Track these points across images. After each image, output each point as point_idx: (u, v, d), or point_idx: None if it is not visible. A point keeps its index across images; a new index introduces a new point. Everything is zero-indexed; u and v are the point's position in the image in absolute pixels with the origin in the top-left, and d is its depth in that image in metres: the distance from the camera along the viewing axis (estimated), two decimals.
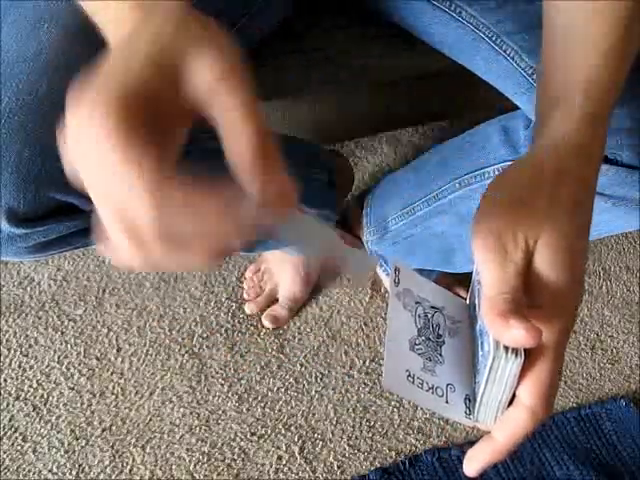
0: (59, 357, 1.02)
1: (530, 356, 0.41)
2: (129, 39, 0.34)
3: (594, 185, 0.45)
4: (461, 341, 0.47)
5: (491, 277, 0.41)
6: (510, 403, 0.42)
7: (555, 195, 0.42)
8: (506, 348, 0.40)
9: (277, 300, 1.07)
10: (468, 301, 0.49)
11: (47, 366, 1.01)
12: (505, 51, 0.65)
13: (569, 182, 0.43)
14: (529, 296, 0.41)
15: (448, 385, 0.43)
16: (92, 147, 0.31)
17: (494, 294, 0.40)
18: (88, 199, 0.48)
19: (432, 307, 0.47)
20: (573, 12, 0.47)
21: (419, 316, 0.46)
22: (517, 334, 0.38)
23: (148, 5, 0.35)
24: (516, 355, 0.40)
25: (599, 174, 0.62)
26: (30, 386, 0.99)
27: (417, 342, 0.44)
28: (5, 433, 0.96)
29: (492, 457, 0.42)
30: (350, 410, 1.00)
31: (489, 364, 0.40)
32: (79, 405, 0.98)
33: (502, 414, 0.43)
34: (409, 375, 0.42)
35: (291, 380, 1.02)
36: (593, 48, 0.46)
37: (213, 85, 0.33)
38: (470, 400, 0.44)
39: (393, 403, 1.01)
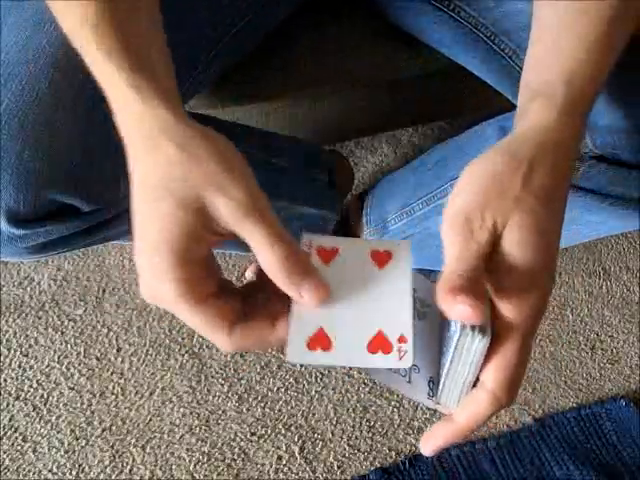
0: (59, 357, 1.02)
1: (497, 339, 0.40)
2: (148, 183, 0.40)
3: (569, 175, 0.45)
4: (429, 325, 0.46)
5: (451, 255, 0.41)
6: (474, 386, 0.42)
7: (528, 181, 0.42)
8: (473, 327, 0.39)
9: None
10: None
11: (47, 366, 1.01)
12: (503, 50, 0.65)
13: (543, 170, 0.43)
14: (497, 278, 0.41)
15: (412, 366, 0.43)
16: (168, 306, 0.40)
17: (450, 271, 0.40)
18: (88, 201, 0.49)
19: None
20: (561, 12, 0.47)
21: None
22: (462, 309, 0.37)
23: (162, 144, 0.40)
24: (483, 334, 0.39)
25: (598, 173, 0.62)
26: (30, 386, 0.99)
27: None
28: (5, 433, 0.96)
29: (450, 438, 0.42)
30: (350, 410, 1.00)
31: (454, 343, 0.40)
32: (79, 405, 0.98)
33: (465, 397, 0.42)
34: None
35: (291, 380, 1.02)
36: (578, 44, 0.46)
37: (238, 220, 0.39)
38: (434, 383, 0.44)
39: (393, 403, 1.01)
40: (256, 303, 0.42)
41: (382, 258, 0.46)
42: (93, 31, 0.40)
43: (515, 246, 0.41)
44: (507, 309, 0.40)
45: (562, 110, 0.44)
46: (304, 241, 0.46)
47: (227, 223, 0.39)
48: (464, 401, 0.42)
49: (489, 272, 0.41)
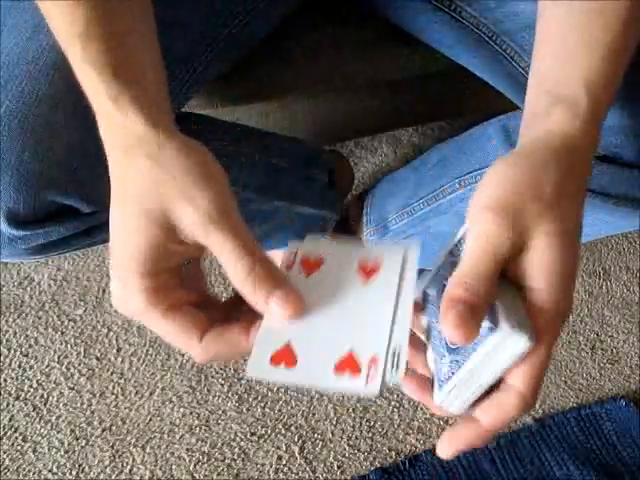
0: (59, 357, 1.02)
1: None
2: (123, 185, 0.40)
3: (587, 182, 0.45)
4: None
5: (472, 254, 0.40)
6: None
7: (560, 187, 0.42)
8: (513, 325, 0.37)
9: None
10: (430, 277, 0.46)
11: (47, 366, 1.01)
12: (505, 51, 0.65)
13: (572, 177, 0.43)
14: (526, 279, 0.40)
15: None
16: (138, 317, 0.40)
17: (464, 274, 0.39)
18: (87, 202, 0.49)
19: None
20: (576, 11, 0.47)
21: None
22: (447, 331, 0.37)
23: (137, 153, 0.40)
24: (528, 336, 0.37)
25: (600, 173, 0.62)
26: (30, 386, 0.99)
27: None
28: (5, 433, 0.96)
29: (474, 441, 0.40)
30: (350, 410, 1.00)
31: (490, 343, 0.37)
32: (79, 405, 0.98)
33: (473, 400, 0.40)
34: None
35: None
36: (594, 49, 0.46)
37: (202, 230, 0.38)
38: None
39: (393, 403, 1.01)
40: (237, 315, 0.42)
41: (369, 270, 0.43)
42: (80, 40, 0.40)
43: (549, 255, 0.40)
44: (539, 317, 0.39)
45: (584, 119, 0.44)
46: (290, 249, 0.44)
47: (192, 234, 0.39)
48: (487, 402, 0.40)
49: (518, 273, 0.40)
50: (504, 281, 0.41)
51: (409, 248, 0.44)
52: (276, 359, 0.39)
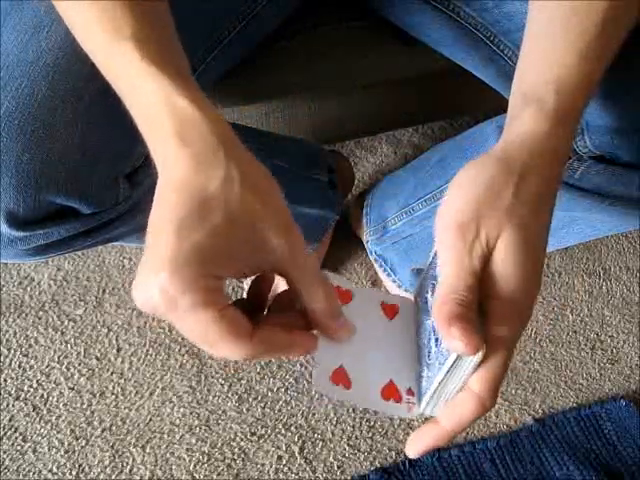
0: (59, 357, 1.02)
1: (487, 349, 0.41)
2: (201, 191, 0.37)
3: (558, 184, 0.46)
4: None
5: (449, 270, 0.42)
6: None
7: (519, 192, 0.43)
8: None
9: None
10: (415, 293, 0.50)
11: (47, 366, 1.01)
12: (503, 51, 0.65)
13: (534, 180, 0.43)
14: (487, 289, 0.42)
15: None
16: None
17: (447, 292, 0.41)
18: (87, 203, 0.49)
19: None
20: (554, 11, 0.47)
21: None
22: (457, 344, 0.39)
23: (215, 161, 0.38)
24: (480, 352, 0.40)
25: (596, 174, 0.62)
26: (30, 386, 0.99)
27: None
28: (5, 433, 0.96)
29: (436, 442, 0.43)
30: (350, 410, 1.00)
31: (450, 362, 0.41)
32: (79, 405, 0.98)
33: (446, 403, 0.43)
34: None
35: (291, 380, 1.02)
36: (568, 47, 0.46)
37: (290, 263, 0.40)
38: (413, 394, 0.45)
39: None
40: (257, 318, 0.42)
41: (391, 310, 0.48)
42: (133, 39, 0.39)
43: (507, 261, 0.42)
44: (499, 325, 0.41)
45: (553, 120, 0.44)
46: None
47: (278, 261, 0.39)
48: (450, 405, 0.43)
49: (482, 284, 0.42)
50: None
51: (408, 300, 0.50)
52: (335, 379, 0.43)
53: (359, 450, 0.98)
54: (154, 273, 0.35)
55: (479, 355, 0.40)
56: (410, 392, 0.44)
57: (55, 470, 0.94)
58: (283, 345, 0.40)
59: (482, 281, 0.42)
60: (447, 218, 0.43)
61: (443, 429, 0.42)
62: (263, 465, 0.96)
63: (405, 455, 0.97)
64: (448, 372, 0.41)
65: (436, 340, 0.43)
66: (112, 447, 0.96)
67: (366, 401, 0.44)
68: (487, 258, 0.42)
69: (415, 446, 0.43)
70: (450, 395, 0.43)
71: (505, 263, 0.42)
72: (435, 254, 0.46)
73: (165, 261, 0.35)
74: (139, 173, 0.59)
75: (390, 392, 0.44)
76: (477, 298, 0.41)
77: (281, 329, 0.41)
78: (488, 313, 0.41)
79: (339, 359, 0.44)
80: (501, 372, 0.42)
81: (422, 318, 0.47)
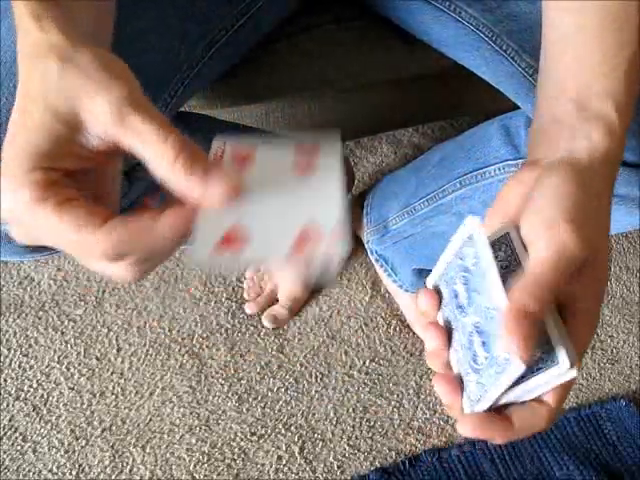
0: (59, 357, 1.02)
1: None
2: (26, 86, 0.37)
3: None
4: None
5: (545, 260, 0.39)
6: None
7: (605, 210, 0.44)
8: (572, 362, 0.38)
9: (277, 300, 1.07)
10: (432, 283, 0.46)
11: (47, 366, 1.01)
12: (505, 51, 0.65)
13: (608, 198, 0.44)
14: (576, 300, 0.41)
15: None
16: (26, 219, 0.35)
17: (535, 281, 0.38)
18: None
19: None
20: (586, 14, 0.47)
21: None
22: (512, 346, 0.36)
23: (42, 48, 0.37)
24: (577, 369, 0.39)
25: None
26: (30, 386, 0.99)
27: None
28: (5, 433, 0.96)
29: (497, 436, 0.41)
30: (350, 410, 1.00)
31: (546, 376, 0.38)
32: (79, 405, 0.98)
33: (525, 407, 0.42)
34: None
35: (291, 380, 1.02)
36: (616, 63, 0.46)
37: (119, 117, 0.35)
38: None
39: (393, 403, 1.01)
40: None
41: (305, 163, 0.41)
42: None
43: (600, 275, 0.41)
44: (580, 340, 0.40)
45: (619, 137, 0.45)
46: (216, 145, 0.41)
47: (105, 125, 0.35)
48: (527, 409, 0.41)
49: (575, 289, 0.41)
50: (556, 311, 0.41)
51: (330, 139, 0.42)
52: (224, 244, 0.36)
53: (359, 450, 0.98)
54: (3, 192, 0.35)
55: (573, 375, 0.38)
56: (331, 233, 0.37)
57: (55, 470, 0.94)
58: (147, 231, 0.35)
59: (571, 287, 0.40)
60: (560, 212, 0.40)
61: (510, 428, 0.41)
62: (263, 465, 0.96)
63: (405, 455, 0.97)
64: (535, 386, 0.39)
65: (484, 345, 0.40)
66: (112, 447, 0.96)
67: (269, 251, 0.37)
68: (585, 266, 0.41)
69: (474, 428, 0.40)
70: (514, 399, 0.41)
71: (598, 279, 0.41)
72: (464, 243, 0.42)
73: (2, 172, 0.35)
74: (137, 170, 0.59)
75: (303, 240, 0.37)
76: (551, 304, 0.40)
77: (148, 214, 0.36)
78: (573, 328, 0.40)
79: (230, 219, 0.37)
80: (570, 388, 0.41)
81: (455, 313, 0.43)
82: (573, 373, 0.38)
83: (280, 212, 0.38)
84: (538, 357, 0.39)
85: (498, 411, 0.41)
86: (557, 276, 0.38)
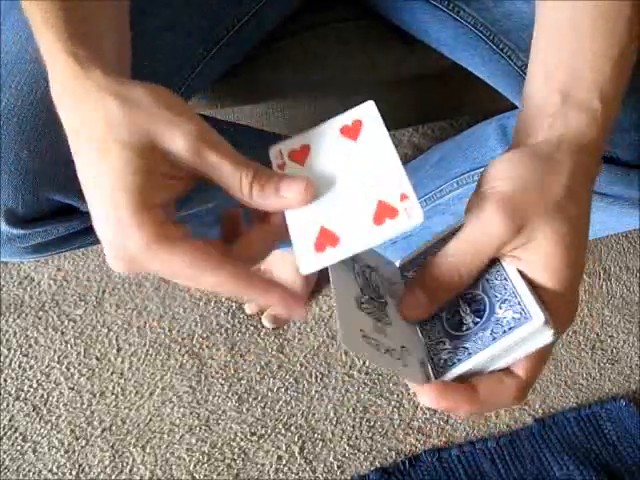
0: (59, 357, 1.02)
1: None
2: (89, 129, 0.37)
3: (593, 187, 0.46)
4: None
5: (464, 239, 0.41)
6: None
7: (569, 192, 0.42)
8: (546, 321, 0.38)
9: None
10: (409, 259, 0.48)
11: (47, 366, 1.01)
12: (502, 50, 0.65)
13: (584, 183, 0.44)
14: (534, 280, 0.41)
15: (402, 347, 0.41)
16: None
17: (448, 254, 0.41)
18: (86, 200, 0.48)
19: (367, 266, 0.45)
20: (579, 11, 0.47)
21: (358, 274, 0.44)
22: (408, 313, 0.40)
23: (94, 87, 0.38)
24: (554, 332, 0.38)
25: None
26: (30, 386, 0.99)
27: (362, 300, 0.42)
28: (5, 433, 0.96)
29: (461, 406, 0.40)
30: (350, 410, 1.00)
31: (520, 333, 0.38)
32: (79, 405, 0.98)
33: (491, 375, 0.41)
34: (364, 335, 0.40)
35: (291, 380, 1.02)
36: (605, 56, 0.46)
37: (198, 150, 0.37)
38: (424, 364, 0.42)
39: (393, 403, 1.01)
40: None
41: (354, 130, 0.44)
42: (39, 4, 0.40)
43: (555, 250, 0.41)
44: (554, 314, 0.40)
45: (601, 128, 0.45)
46: (275, 152, 0.44)
47: (186, 156, 0.37)
48: (493, 379, 0.41)
49: (527, 268, 0.41)
50: (519, 274, 0.42)
51: (368, 104, 0.45)
52: (319, 245, 0.39)
53: (359, 450, 0.98)
54: (105, 234, 0.37)
55: (549, 338, 0.38)
56: (404, 196, 0.39)
57: (55, 470, 0.94)
58: (266, 241, 0.40)
59: (523, 267, 0.41)
60: (492, 192, 0.41)
61: (476, 398, 0.40)
62: (263, 465, 0.96)
63: (405, 455, 0.97)
64: (509, 347, 0.39)
65: (475, 312, 0.42)
66: (112, 447, 0.96)
67: (362, 241, 0.39)
68: (521, 246, 0.41)
69: (438, 396, 0.40)
70: (484, 370, 0.41)
71: (554, 254, 0.41)
72: (457, 230, 0.44)
73: (100, 220, 0.37)
74: None
75: (382, 213, 0.40)
76: (469, 280, 0.42)
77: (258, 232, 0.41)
78: (543, 299, 0.40)
79: (315, 222, 0.40)
80: (543, 366, 0.41)
81: None
82: (548, 334, 0.38)
83: (352, 197, 0.41)
84: (510, 317, 0.40)
85: (461, 381, 0.41)
86: (470, 255, 0.41)
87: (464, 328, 0.41)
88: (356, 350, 0.39)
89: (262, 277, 0.39)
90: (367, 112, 0.44)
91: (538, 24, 0.50)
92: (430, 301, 0.42)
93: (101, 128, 0.37)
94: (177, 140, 0.37)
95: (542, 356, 0.41)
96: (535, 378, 0.41)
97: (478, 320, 0.41)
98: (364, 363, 1.04)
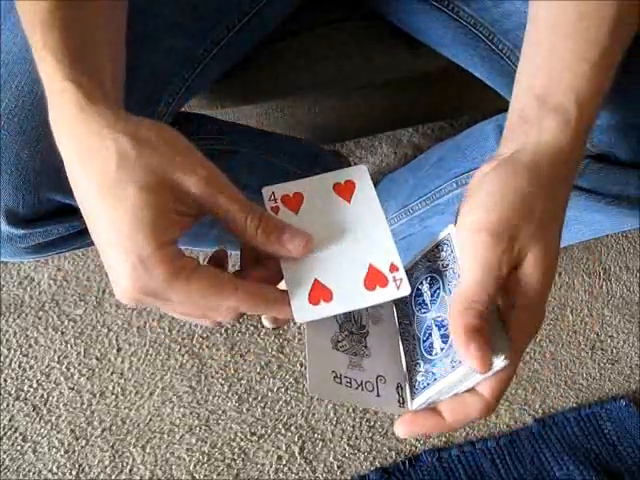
0: (59, 357, 1.02)
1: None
2: (99, 166, 0.39)
3: (574, 188, 0.47)
4: (386, 328, 0.46)
5: (472, 281, 0.41)
6: None
7: (549, 203, 0.43)
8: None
9: None
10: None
11: (47, 366, 1.01)
12: (502, 50, 0.65)
13: (561, 192, 0.44)
14: (510, 299, 0.42)
15: (378, 377, 0.43)
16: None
17: (469, 301, 0.41)
18: None
19: None
20: (561, 12, 0.47)
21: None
22: (472, 362, 0.39)
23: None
24: (505, 358, 0.40)
25: (594, 173, 0.62)
26: (30, 386, 0.99)
27: (340, 339, 0.44)
28: (5, 433, 0.96)
29: (431, 431, 0.43)
30: (350, 410, 1.00)
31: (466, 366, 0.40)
32: (79, 405, 0.98)
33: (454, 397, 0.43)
34: (336, 376, 0.42)
35: (291, 380, 1.02)
36: (582, 58, 0.46)
37: (210, 195, 0.40)
38: (402, 388, 0.44)
39: None
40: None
41: (347, 190, 0.46)
42: (40, 28, 0.41)
43: (535, 277, 0.42)
44: (519, 335, 0.42)
45: (574, 128, 0.45)
46: (267, 193, 0.46)
47: (200, 199, 0.40)
48: (456, 401, 0.42)
49: (506, 294, 0.42)
50: None
51: (361, 168, 0.47)
52: (313, 298, 0.42)
53: (359, 450, 0.98)
54: (122, 272, 0.38)
55: (500, 363, 0.39)
56: (394, 268, 0.43)
57: (55, 470, 0.94)
58: (269, 293, 0.42)
59: (507, 291, 0.42)
60: (478, 224, 0.42)
61: (443, 422, 0.42)
62: (263, 465, 0.96)
63: (405, 455, 0.97)
64: (464, 376, 0.40)
65: (443, 337, 0.43)
66: (112, 447, 0.96)
67: (353, 302, 0.42)
68: (514, 267, 0.42)
69: (408, 428, 0.43)
70: (451, 393, 0.42)
71: (533, 276, 0.42)
72: (437, 246, 0.46)
73: (117, 258, 0.38)
74: None
75: (373, 279, 0.42)
76: (495, 309, 0.42)
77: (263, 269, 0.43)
78: (509, 323, 0.42)
79: (310, 274, 0.42)
80: (510, 380, 0.42)
81: (414, 309, 0.46)
82: (498, 362, 0.40)
83: (345, 256, 0.43)
84: None
85: (431, 406, 0.43)
86: (489, 287, 0.41)
87: (434, 352, 0.43)
88: (325, 397, 0.42)
89: (277, 289, 0.42)
90: (359, 175, 0.46)
91: (526, 27, 0.50)
92: (484, 351, 0.40)
93: (113, 167, 0.38)
94: (192, 184, 0.39)
95: (507, 374, 0.42)
96: (502, 394, 0.42)
97: (443, 346, 0.42)
98: None
